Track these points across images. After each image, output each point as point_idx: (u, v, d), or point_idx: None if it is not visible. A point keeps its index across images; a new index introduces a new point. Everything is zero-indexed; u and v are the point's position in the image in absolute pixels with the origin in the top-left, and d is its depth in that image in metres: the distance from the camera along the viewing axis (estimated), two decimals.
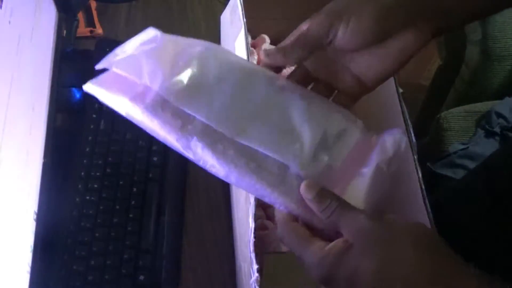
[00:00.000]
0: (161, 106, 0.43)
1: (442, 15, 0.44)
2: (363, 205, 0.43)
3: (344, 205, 0.41)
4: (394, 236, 0.39)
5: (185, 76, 0.44)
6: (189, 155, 0.43)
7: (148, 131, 0.44)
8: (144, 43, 0.45)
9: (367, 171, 0.44)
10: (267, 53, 0.46)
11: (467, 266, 0.39)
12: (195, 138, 0.43)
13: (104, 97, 0.45)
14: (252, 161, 0.43)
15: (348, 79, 0.47)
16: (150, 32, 0.46)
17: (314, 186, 0.42)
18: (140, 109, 0.43)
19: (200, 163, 0.44)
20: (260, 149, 0.43)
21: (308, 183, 0.42)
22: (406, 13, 0.43)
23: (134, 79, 0.44)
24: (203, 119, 0.43)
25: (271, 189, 0.43)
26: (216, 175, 0.44)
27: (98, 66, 0.45)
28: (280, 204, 0.43)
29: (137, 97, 0.43)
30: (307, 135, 0.44)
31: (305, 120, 0.44)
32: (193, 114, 0.43)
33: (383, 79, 0.47)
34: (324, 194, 0.41)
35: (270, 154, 0.43)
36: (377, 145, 0.45)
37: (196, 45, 0.46)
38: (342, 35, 0.43)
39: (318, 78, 0.49)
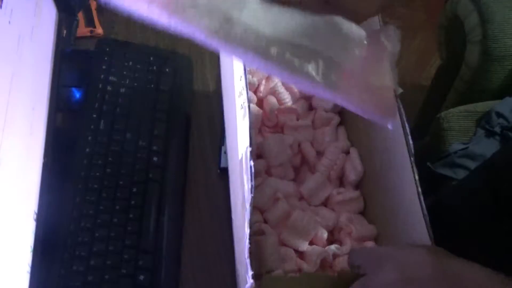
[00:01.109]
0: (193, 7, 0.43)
1: None
2: (389, 83, 0.50)
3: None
4: (408, 248, 0.47)
5: None
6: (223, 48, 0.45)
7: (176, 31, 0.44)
8: None
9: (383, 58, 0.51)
10: None
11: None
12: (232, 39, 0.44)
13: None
14: (291, 55, 0.45)
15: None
16: None
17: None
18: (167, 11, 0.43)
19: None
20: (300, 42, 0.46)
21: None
22: None
23: None
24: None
25: (311, 80, 0.46)
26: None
27: None
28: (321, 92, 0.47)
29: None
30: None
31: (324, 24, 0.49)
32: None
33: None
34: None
35: (306, 44, 0.46)
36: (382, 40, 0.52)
37: None
38: None
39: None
